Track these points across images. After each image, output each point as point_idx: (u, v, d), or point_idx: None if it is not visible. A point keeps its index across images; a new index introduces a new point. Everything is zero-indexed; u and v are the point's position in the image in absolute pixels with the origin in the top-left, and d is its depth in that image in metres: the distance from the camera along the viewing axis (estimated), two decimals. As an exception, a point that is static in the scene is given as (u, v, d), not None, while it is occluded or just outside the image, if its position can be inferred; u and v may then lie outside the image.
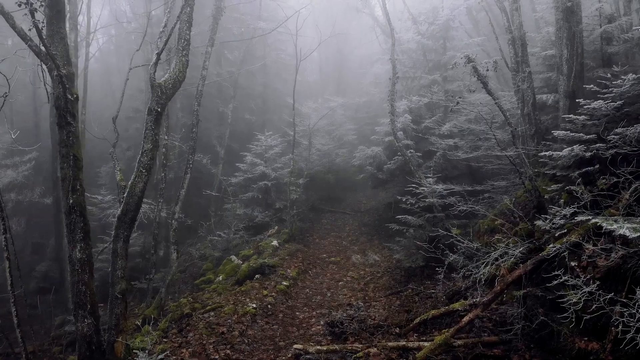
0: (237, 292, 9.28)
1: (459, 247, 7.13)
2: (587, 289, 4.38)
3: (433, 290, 7.88)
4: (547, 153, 6.82)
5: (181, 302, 10.41)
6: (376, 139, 14.48)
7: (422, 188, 9.36)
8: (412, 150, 12.17)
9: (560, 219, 5.92)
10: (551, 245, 5.82)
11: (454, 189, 9.00)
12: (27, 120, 24.21)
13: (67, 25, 14.96)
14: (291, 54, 19.56)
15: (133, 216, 7.02)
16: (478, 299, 5.77)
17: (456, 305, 5.88)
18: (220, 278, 11.48)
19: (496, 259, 6.13)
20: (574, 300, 4.36)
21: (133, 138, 18.98)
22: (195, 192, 17.68)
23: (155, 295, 11.04)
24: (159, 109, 6.79)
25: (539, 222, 6.16)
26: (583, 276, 4.66)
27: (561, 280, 4.63)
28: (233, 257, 12.24)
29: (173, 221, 9.93)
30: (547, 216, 6.20)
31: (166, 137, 10.58)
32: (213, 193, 14.61)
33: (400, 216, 9.40)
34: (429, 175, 9.60)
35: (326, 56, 32.48)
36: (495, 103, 7.61)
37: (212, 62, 22.61)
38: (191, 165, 10.37)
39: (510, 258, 5.94)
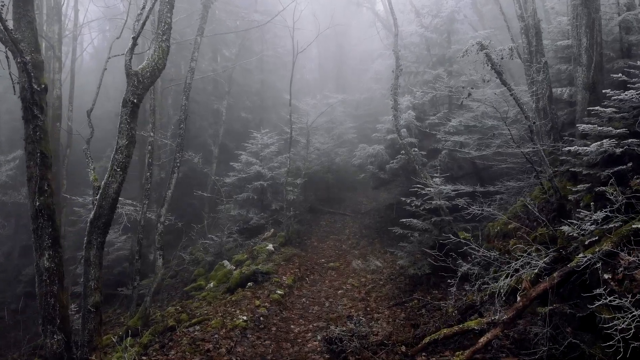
0: (227, 302, 8.53)
1: (472, 255, 6.38)
2: (637, 312, 3.63)
3: (442, 302, 7.13)
4: (572, 149, 6.07)
5: (169, 311, 9.67)
6: (378, 137, 13.73)
7: (429, 189, 8.61)
8: (416, 149, 11.42)
9: (590, 224, 5.17)
10: (581, 255, 5.07)
11: (463, 189, 8.25)
12: (17, 119, 23.50)
13: (46, 14, 14.23)
14: (289, 50, 18.84)
15: (107, 220, 6.28)
16: (497, 317, 5.02)
17: (472, 324, 5.13)
18: (212, 285, 10.75)
19: (517, 270, 5.37)
20: (623, 325, 3.61)
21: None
22: (188, 193, 16.94)
23: (141, 303, 10.27)
24: (135, 100, 6.05)
25: (565, 228, 5.40)
26: (629, 296, 3.89)
27: (605, 302, 3.86)
28: (226, 262, 11.49)
29: (159, 224, 9.19)
30: (574, 221, 5.46)
31: (152, 134, 9.83)
32: (205, 194, 13.85)
33: (404, 219, 8.66)
34: (436, 175, 8.85)
35: (325, 54, 31.75)
36: (511, 94, 6.87)
37: (209, 59, 21.91)
38: (179, 164, 9.62)
39: (534, 269, 5.18)
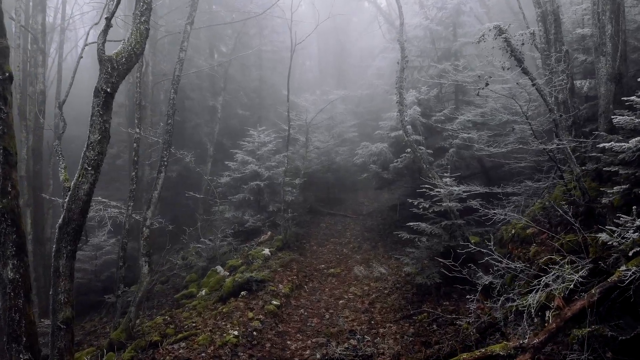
0: (218, 314, 7.79)
1: (489, 263, 5.64)
2: None
3: (455, 316, 6.39)
4: (607, 145, 5.32)
5: (156, 321, 8.96)
6: (381, 135, 12.99)
7: (438, 190, 7.88)
8: (422, 147, 10.69)
9: (633, 232, 4.43)
10: (624, 268, 4.34)
11: (477, 190, 7.51)
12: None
13: (32, 5, 13.47)
14: (288, 46, 18.11)
15: (77, 226, 5.52)
16: (526, 341, 4.28)
17: (496, 348, 4.39)
18: (204, 292, 10.02)
19: (547, 285, 4.64)
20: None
21: (115, 135, 17.43)
22: (183, 194, 16.23)
23: (127, 312, 9.53)
24: (108, 90, 5.31)
25: (602, 236, 4.66)
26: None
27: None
28: (219, 268, 10.77)
29: (144, 228, 8.45)
30: (612, 227, 4.72)
31: (138, 130, 9.09)
32: (197, 195, 13.09)
33: (412, 223, 7.91)
34: (446, 175, 8.11)
35: (325, 51, 31.05)
36: (533, 84, 6.14)
37: (206, 55, 21.19)
38: (166, 163, 8.87)
39: (568, 284, 4.44)
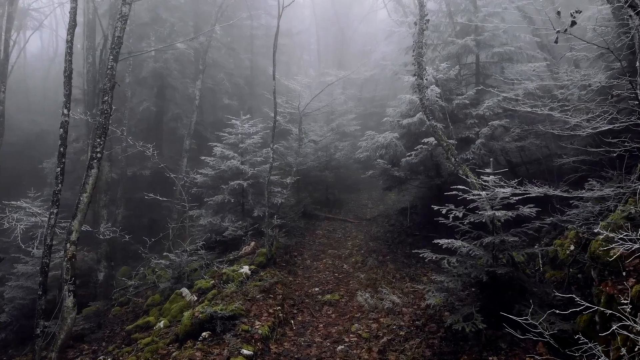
0: (164, 369, 5.49)
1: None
2: None
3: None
4: None
5: (94, 367, 6.68)
6: (390, 122, 10.65)
7: (477, 192, 5.56)
8: (444, 137, 8.36)
9: None
10: None
11: (545, 192, 5.17)
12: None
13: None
14: (283, 30, 15.81)
15: None
16: None
17: None
18: (162, 324, 7.73)
19: None
20: None
21: (81, 126, 15.15)
22: (161, 195, 14.02)
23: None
24: None
25: None
26: None
27: None
28: (185, 291, 8.47)
29: (68, 245, 6.11)
30: None
31: (66, 111, 6.74)
32: (159, 197, 10.68)
33: (443, 241, 5.55)
34: (487, 171, 5.78)
35: (326, 41, 28.91)
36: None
37: (192, 40, 18.98)
38: (99, 155, 6.54)
39: None
